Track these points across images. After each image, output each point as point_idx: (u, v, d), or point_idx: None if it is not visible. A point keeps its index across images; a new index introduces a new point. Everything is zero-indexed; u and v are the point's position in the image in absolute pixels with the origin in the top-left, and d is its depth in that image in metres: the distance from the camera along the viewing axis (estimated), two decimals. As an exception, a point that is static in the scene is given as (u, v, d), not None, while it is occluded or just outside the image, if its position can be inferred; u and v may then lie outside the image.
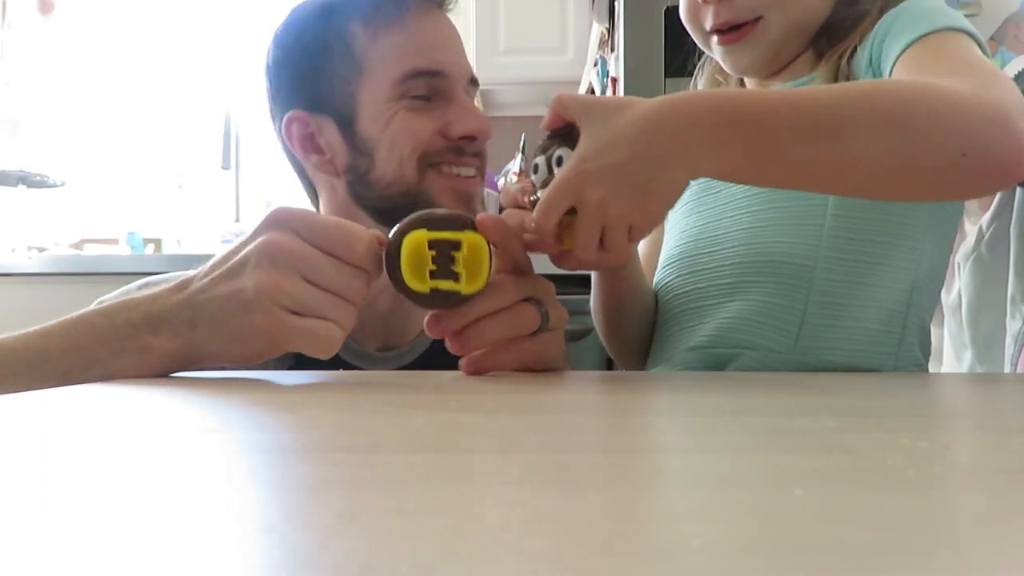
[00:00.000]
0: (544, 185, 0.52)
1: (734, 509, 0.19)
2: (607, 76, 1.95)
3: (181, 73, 2.63)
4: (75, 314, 0.54)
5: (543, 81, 2.37)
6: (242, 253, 0.50)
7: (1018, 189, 0.82)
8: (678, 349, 0.71)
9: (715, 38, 0.73)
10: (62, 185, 2.29)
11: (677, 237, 0.77)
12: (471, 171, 0.72)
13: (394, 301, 0.69)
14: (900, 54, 0.62)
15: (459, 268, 0.50)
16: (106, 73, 2.60)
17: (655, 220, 0.53)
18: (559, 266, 0.55)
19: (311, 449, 0.28)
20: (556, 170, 0.52)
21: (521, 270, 0.55)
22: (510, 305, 0.53)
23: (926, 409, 0.41)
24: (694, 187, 0.74)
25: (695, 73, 0.87)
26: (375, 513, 0.19)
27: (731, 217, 0.72)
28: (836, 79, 0.67)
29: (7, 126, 2.50)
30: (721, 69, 0.78)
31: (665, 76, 1.58)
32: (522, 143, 2.31)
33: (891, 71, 0.62)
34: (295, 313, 0.48)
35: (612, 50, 1.89)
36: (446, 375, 0.55)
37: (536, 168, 0.53)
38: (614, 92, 1.82)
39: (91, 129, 2.57)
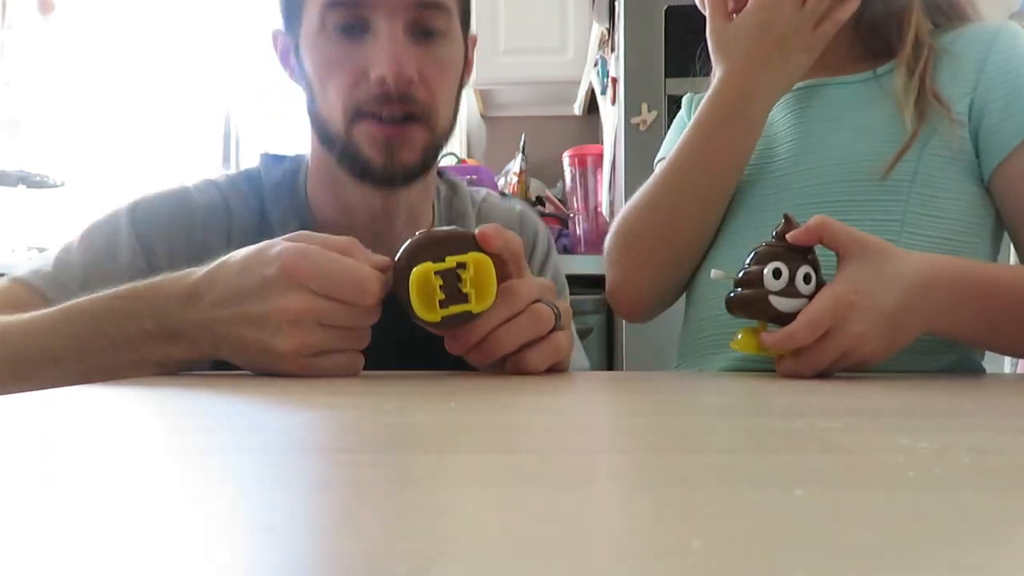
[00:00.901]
0: (785, 294, 0.55)
1: (734, 509, 0.19)
2: (607, 76, 1.95)
3: (181, 73, 2.63)
4: (74, 310, 0.54)
5: (543, 81, 2.38)
6: (262, 306, 0.51)
7: None
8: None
9: None
10: (62, 185, 2.29)
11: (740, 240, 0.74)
12: (397, 114, 0.66)
13: None
14: (1015, 149, 0.64)
15: (467, 289, 0.51)
16: (106, 73, 2.60)
17: (880, 361, 0.57)
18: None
19: (311, 449, 0.28)
20: (802, 286, 0.55)
21: (522, 273, 0.56)
22: (525, 309, 0.54)
23: (926, 409, 0.41)
24: (760, 192, 0.73)
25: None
26: (375, 513, 0.19)
27: None
28: (920, 95, 0.66)
29: (7, 126, 2.50)
30: None
31: (665, 76, 1.58)
32: (522, 143, 2.31)
33: (1006, 157, 0.64)
34: (319, 352, 0.52)
35: (612, 50, 1.89)
36: (446, 375, 0.55)
37: (778, 273, 0.55)
38: (614, 92, 1.82)
39: (91, 129, 2.57)
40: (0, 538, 0.16)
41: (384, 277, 0.52)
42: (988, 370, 0.72)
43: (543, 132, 2.55)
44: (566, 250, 2.15)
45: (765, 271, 0.55)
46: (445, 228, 0.55)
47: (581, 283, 1.57)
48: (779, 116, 0.75)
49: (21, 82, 2.51)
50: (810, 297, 0.55)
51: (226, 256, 0.54)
